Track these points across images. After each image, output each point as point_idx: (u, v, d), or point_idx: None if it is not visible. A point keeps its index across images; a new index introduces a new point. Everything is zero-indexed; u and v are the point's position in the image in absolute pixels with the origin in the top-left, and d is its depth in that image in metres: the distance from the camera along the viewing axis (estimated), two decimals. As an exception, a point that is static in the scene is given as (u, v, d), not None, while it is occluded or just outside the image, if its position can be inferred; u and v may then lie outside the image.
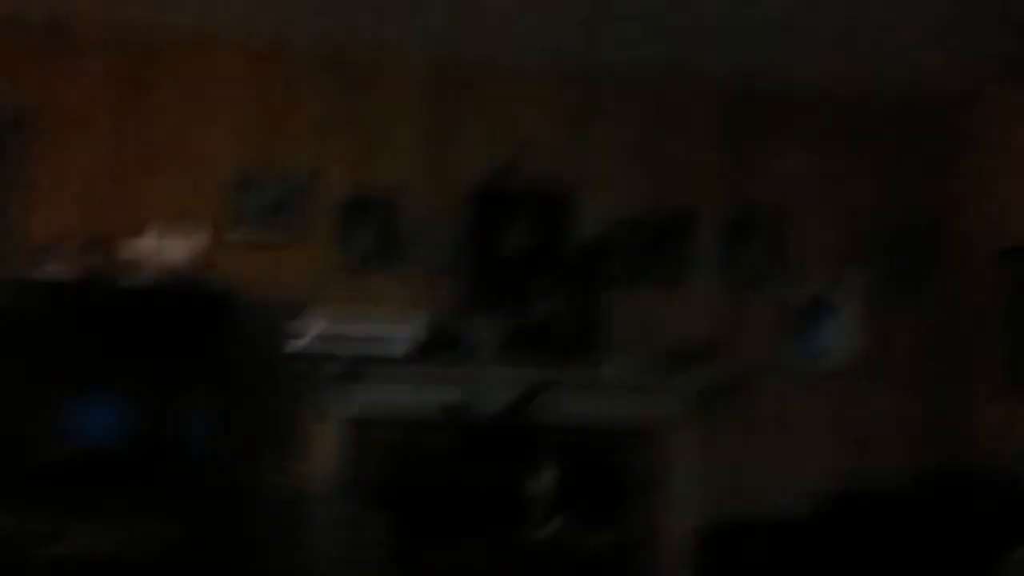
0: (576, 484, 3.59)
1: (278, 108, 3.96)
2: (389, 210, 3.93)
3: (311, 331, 3.57)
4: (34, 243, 3.68)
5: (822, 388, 4.15)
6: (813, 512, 3.97)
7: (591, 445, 3.87)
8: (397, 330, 3.60)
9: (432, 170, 4.00)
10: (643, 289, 4.07)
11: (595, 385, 3.86)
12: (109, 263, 3.70)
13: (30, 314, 3.31)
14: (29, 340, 3.28)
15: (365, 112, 4.00)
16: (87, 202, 3.78)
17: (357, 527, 3.69)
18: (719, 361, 3.96)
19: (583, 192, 4.07)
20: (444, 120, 4.05)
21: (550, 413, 3.78)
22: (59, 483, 3.12)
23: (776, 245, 4.18)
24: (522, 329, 3.86)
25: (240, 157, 3.89)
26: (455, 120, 4.05)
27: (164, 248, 3.77)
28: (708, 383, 3.87)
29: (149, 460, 3.33)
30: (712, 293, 4.13)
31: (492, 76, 4.08)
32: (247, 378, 3.67)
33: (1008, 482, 3.65)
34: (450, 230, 3.96)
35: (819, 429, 4.11)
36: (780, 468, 4.06)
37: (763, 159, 4.24)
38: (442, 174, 4.00)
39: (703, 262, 4.14)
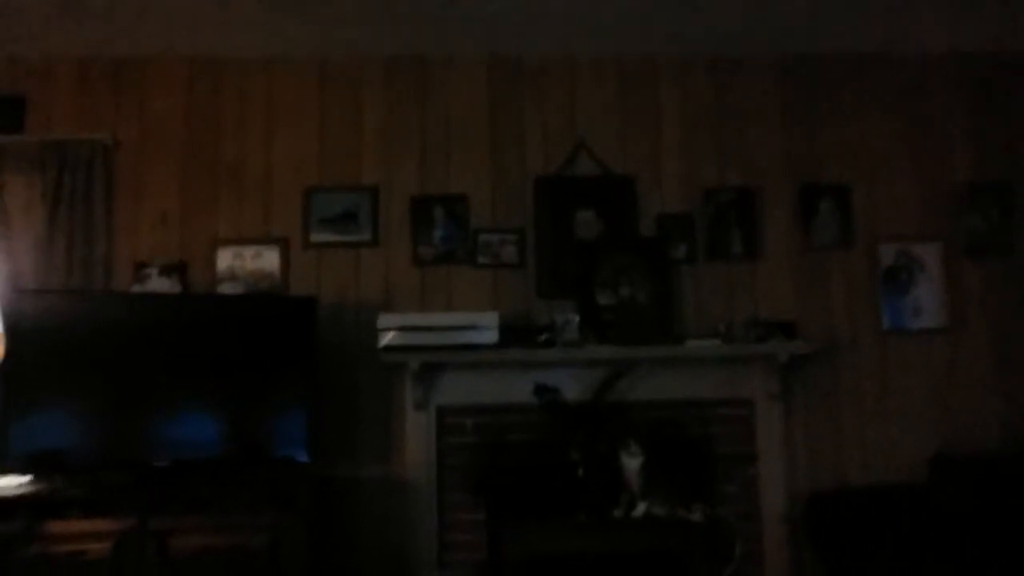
0: (666, 461, 3.58)
1: (344, 119, 4.08)
2: (458, 207, 4.01)
3: (395, 327, 3.64)
4: (122, 265, 3.89)
5: (912, 354, 4.06)
6: (911, 480, 3.89)
7: (679, 422, 3.85)
8: (482, 320, 3.64)
9: (498, 165, 4.08)
10: (720, 265, 4.06)
11: (679, 362, 3.85)
12: (195, 279, 3.90)
13: (128, 327, 3.44)
14: (128, 352, 3.41)
15: (428, 116, 4.10)
16: (167, 223, 3.96)
17: (453, 511, 3.75)
18: (803, 331, 3.93)
19: (648, 175, 4.09)
20: (505, 117, 4.12)
21: (637, 393, 3.80)
22: (168, 486, 3.23)
23: (852, 213, 4.12)
24: (601, 313, 3.87)
25: (311, 169, 4.03)
26: (517, 116, 4.12)
27: (247, 261, 3.95)
28: (793, 354, 3.82)
29: (249, 462, 3.43)
30: (792, 264, 4.09)
31: (548, 71, 4.15)
32: (338, 375, 3.80)
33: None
34: (520, 221, 4.02)
35: (911, 396, 4.02)
36: (872, 437, 3.98)
37: (831, 127, 4.19)
38: (508, 168, 4.08)
39: (780, 235, 4.11)
